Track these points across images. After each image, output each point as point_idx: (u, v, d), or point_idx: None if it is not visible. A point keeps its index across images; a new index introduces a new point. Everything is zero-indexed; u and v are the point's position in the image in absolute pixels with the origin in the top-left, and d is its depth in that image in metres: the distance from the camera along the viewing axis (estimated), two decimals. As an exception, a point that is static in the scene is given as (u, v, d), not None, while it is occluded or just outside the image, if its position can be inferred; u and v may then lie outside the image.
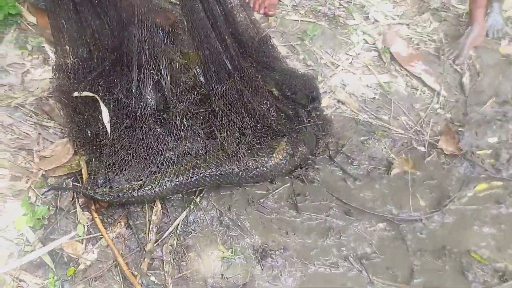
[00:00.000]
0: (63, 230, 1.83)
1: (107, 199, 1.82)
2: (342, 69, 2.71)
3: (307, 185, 2.09)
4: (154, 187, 1.85)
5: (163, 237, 1.86)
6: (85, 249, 1.79)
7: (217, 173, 1.91)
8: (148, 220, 1.89)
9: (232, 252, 1.86)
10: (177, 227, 1.89)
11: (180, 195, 1.97)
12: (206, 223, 1.93)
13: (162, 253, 1.82)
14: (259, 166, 1.96)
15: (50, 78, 2.31)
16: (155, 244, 1.83)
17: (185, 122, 1.93)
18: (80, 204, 1.88)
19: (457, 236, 2.01)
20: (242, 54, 2.10)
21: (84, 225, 1.84)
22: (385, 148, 2.30)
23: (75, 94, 1.93)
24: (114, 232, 1.84)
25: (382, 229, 2.00)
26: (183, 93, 1.95)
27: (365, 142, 2.30)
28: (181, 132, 1.93)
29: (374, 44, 2.88)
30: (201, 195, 1.99)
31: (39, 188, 1.91)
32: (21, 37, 2.46)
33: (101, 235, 1.81)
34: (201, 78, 1.97)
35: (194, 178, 1.89)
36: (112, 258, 1.79)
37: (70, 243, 1.78)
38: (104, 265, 1.77)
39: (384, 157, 2.27)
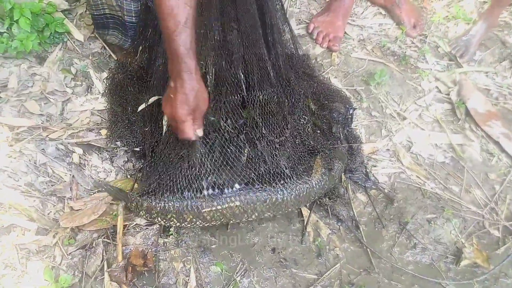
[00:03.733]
0: (87, 303, 1.65)
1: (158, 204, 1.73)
2: (410, 123, 2.42)
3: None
4: (192, 197, 1.72)
5: (196, 323, 1.64)
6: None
7: (260, 192, 1.76)
8: (182, 298, 1.68)
9: None
10: (213, 310, 1.68)
11: (219, 270, 1.75)
12: (246, 310, 1.70)
13: None
14: (301, 184, 1.82)
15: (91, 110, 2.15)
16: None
17: (229, 123, 1.80)
18: (109, 271, 1.68)
19: None
20: (286, 64, 2.09)
21: (110, 298, 1.65)
22: (454, 230, 2.01)
23: (141, 107, 1.99)
24: (142, 310, 1.64)
25: None
26: (228, 94, 1.81)
27: (431, 222, 2.01)
28: (226, 134, 1.80)
29: (448, 94, 2.57)
30: (243, 273, 1.76)
31: (66, 245, 1.73)
32: (66, 57, 2.26)
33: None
34: (243, 83, 1.84)
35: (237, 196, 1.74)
36: None
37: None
38: None
39: (453, 241, 1.98)
